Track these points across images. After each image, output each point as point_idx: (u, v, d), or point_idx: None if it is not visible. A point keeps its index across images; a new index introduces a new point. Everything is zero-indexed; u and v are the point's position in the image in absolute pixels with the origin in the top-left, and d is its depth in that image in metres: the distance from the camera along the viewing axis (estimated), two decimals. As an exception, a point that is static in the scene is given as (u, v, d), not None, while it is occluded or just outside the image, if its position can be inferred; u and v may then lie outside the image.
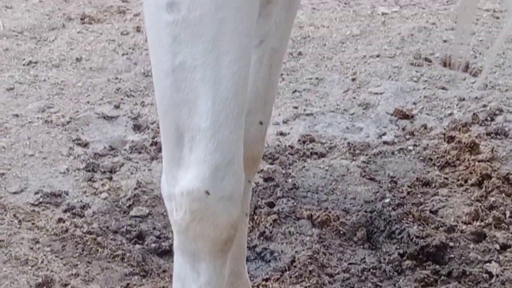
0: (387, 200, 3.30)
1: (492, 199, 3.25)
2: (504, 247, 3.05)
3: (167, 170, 2.19)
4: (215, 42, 2.04)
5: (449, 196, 3.35)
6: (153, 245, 3.43)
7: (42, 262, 3.08)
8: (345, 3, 5.05)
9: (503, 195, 3.27)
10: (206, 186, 2.05)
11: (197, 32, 2.00)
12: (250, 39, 2.15)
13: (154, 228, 3.35)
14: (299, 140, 3.85)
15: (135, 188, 3.66)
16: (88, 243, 3.17)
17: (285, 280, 3.15)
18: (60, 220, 3.27)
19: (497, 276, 2.91)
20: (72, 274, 3.10)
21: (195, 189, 2.08)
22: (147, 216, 3.39)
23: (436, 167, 3.50)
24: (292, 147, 3.85)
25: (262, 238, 3.20)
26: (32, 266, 3.08)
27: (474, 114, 3.91)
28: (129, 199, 3.59)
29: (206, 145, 2.07)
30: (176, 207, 2.12)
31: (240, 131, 2.14)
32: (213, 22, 2.03)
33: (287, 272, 3.10)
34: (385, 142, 3.82)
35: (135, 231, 3.31)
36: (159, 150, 3.67)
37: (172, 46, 2.01)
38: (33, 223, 3.29)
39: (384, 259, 2.98)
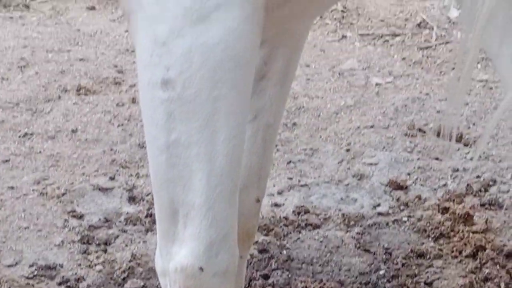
0: (381, 272, 3.29)
1: (487, 270, 3.23)
2: (499, 318, 3.13)
3: (162, 245, 2.21)
4: (210, 119, 2.07)
5: (443, 268, 3.34)
6: (147, 317, 3.44)
7: (38, 335, 3.08)
8: (339, 74, 5.01)
9: (498, 266, 3.27)
10: (200, 263, 2.08)
11: (192, 109, 2.04)
12: (245, 116, 2.19)
13: (149, 301, 3.12)
14: (293, 211, 3.84)
15: (130, 261, 3.63)
16: (84, 315, 3.19)
17: None
18: (55, 293, 3.24)
19: None
20: None
21: (189, 266, 2.09)
22: (142, 288, 3.15)
23: (430, 239, 3.49)
24: (287, 218, 3.82)
25: (258, 310, 3.28)
26: (28, 339, 3.09)
27: (468, 185, 3.92)
28: (124, 271, 3.55)
29: (201, 221, 2.11)
30: (170, 283, 2.12)
31: (235, 207, 2.17)
32: (208, 99, 2.07)
33: None
34: (379, 213, 3.83)
35: (130, 303, 3.08)
36: (154, 222, 3.63)
37: (166, 123, 2.03)
38: (28, 297, 3.27)
39: (380, 329, 3.00)
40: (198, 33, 1.99)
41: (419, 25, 5.48)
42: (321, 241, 3.73)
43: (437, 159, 4.16)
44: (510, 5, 2.04)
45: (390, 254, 3.45)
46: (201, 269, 2.11)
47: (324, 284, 3.30)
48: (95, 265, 3.60)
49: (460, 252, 3.37)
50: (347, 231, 3.72)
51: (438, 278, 3.27)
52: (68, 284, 3.54)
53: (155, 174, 2.10)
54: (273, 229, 3.84)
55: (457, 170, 4.03)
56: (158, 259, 2.21)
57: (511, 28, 2.06)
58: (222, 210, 2.16)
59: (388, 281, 3.28)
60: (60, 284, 3.55)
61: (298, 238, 3.82)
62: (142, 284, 3.43)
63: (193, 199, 2.10)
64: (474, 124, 4.36)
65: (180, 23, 1.97)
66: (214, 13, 2.03)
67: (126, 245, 3.74)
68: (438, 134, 4.38)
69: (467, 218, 3.47)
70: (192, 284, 2.15)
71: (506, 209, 3.81)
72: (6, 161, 4.10)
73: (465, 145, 4.19)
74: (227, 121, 2.12)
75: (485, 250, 3.30)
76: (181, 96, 2.01)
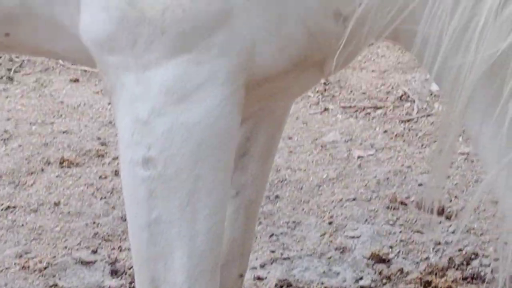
0: None
1: None
2: None
3: None
4: (191, 197, 2.16)
5: None
6: None
7: None
8: (322, 146, 4.99)
9: (479, 338, 3.47)
10: None
11: (173, 188, 2.12)
12: (226, 193, 2.26)
13: None
14: (276, 285, 3.81)
15: (113, 333, 3.72)
16: None
17: None
18: None
19: None
20: None
21: None
22: None
23: (413, 312, 3.55)
24: (269, 292, 3.74)
25: None
26: None
27: (450, 258, 3.91)
28: None
29: None
30: None
31: (216, 283, 2.24)
32: (189, 178, 2.15)
33: None
34: (362, 287, 3.82)
35: None
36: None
37: (148, 201, 2.10)
38: None
39: None
40: (179, 113, 2.09)
41: (400, 98, 5.49)
42: (304, 315, 3.74)
43: (419, 232, 4.15)
44: (491, 84, 2.07)
45: (374, 327, 3.36)
46: None
47: None
48: (78, 337, 3.75)
49: (443, 325, 3.34)
50: (330, 304, 3.62)
51: None
52: None
53: (136, 251, 2.19)
54: (256, 304, 3.78)
55: (439, 243, 4.04)
56: None
57: (491, 108, 2.08)
58: (204, 283, 2.23)
59: None
60: None
61: (282, 312, 3.71)
62: None
63: (174, 278, 2.18)
64: (455, 197, 4.38)
65: (162, 102, 2.06)
66: (195, 93, 2.16)
67: None
68: (420, 207, 4.44)
69: (450, 292, 3.44)
70: None
71: (488, 282, 3.79)
72: (-12, 234, 4.08)
73: (447, 218, 4.21)
74: (208, 199, 2.20)
75: (467, 323, 3.24)
76: (162, 174, 2.09)
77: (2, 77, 6.31)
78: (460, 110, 2.12)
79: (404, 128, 5.14)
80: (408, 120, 5.24)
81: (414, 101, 5.43)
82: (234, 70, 2.23)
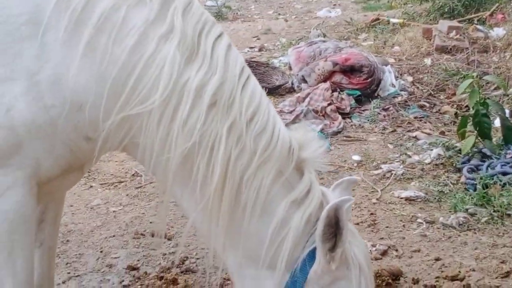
0: None
1: None
2: None
3: None
4: (10, 254, 2.66)
5: None
6: None
7: None
8: (91, 208, 5.56)
9: None
10: None
11: (0, 249, 2.65)
12: (32, 249, 2.78)
13: None
14: None
15: None
16: None
17: None
18: None
19: None
20: None
21: None
22: None
23: None
24: None
25: None
26: None
27: (172, 262, 4.59)
28: None
29: None
30: None
31: None
32: (8, 242, 2.66)
33: None
34: (124, 285, 4.38)
35: None
36: None
37: None
38: None
39: None
40: None
41: (133, 175, 6.23)
42: None
43: (153, 249, 4.87)
44: (184, 168, 2.63)
45: None
46: None
47: None
48: None
49: None
50: None
51: None
52: None
53: None
54: None
55: (166, 254, 4.78)
56: None
57: (186, 181, 2.65)
58: None
59: None
60: None
61: None
62: None
63: None
64: (172, 226, 5.09)
65: None
66: (5, 192, 2.62)
67: None
68: (153, 235, 5.04)
69: None
70: None
71: (196, 273, 4.44)
72: None
73: (169, 239, 4.98)
74: (21, 254, 2.70)
75: None
76: None
77: None
78: (169, 183, 2.64)
79: (139, 192, 5.94)
80: (140, 187, 6.02)
81: (141, 175, 6.17)
82: (28, 177, 2.65)
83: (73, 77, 2.54)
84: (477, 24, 9.01)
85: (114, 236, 5.21)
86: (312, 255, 2.58)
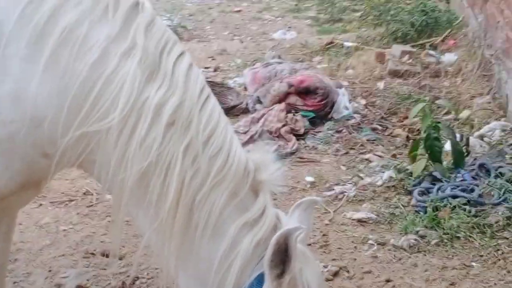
0: None
1: None
2: None
3: None
4: None
5: None
6: None
7: None
8: (40, 226, 5.53)
9: None
10: None
11: None
12: None
13: None
14: None
15: None
16: None
17: None
18: None
19: None
20: None
21: None
22: None
23: None
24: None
25: None
26: None
27: (123, 282, 4.61)
28: None
29: None
30: None
31: None
32: None
33: None
34: None
35: None
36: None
37: None
38: None
39: None
40: None
41: (84, 193, 6.20)
42: None
43: (104, 269, 4.86)
44: (140, 186, 2.63)
45: None
46: None
47: None
48: None
49: None
50: None
51: None
52: None
53: None
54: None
55: (117, 273, 4.77)
56: None
57: (142, 199, 2.65)
58: None
59: None
60: None
61: None
62: None
63: None
64: (123, 246, 4.97)
65: None
66: None
67: None
68: (103, 255, 5.03)
69: None
70: None
71: None
72: None
73: (120, 259, 4.93)
74: None
75: None
76: None
77: None
78: (124, 202, 2.64)
79: (90, 211, 5.86)
80: (92, 206, 5.98)
81: (92, 194, 6.11)
82: None
83: (34, 92, 2.55)
84: (429, 49, 9.14)
85: (63, 255, 5.16)
86: (260, 280, 2.58)
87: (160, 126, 2.56)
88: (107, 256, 5.09)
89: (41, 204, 5.95)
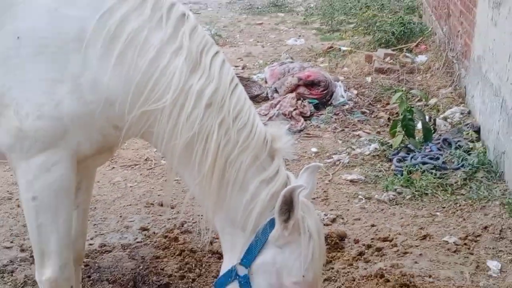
0: None
1: None
2: None
3: (37, 269, 2.80)
4: (56, 212, 2.68)
5: None
6: None
7: None
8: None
9: None
10: (57, 275, 2.76)
11: (48, 208, 2.66)
12: (71, 210, 2.79)
13: None
14: (99, 246, 4.30)
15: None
16: None
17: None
18: None
19: None
20: None
21: (51, 277, 2.78)
22: None
23: None
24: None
25: None
26: None
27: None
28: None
29: (55, 259, 2.76)
30: (41, 286, 2.82)
31: (70, 250, 2.82)
32: (54, 203, 2.65)
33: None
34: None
35: None
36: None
37: (36, 215, 2.66)
38: None
39: None
40: (47, 176, 2.62)
41: None
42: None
43: (160, 214, 4.71)
44: (187, 152, 2.59)
45: None
46: (56, 271, 2.76)
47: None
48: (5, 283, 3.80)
49: None
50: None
51: None
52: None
53: (31, 236, 2.75)
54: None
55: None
56: (36, 275, 2.81)
57: (187, 160, 2.61)
58: (65, 251, 2.77)
59: None
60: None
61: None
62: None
63: (51, 247, 2.73)
64: (177, 196, 4.83)
65: (39, 172, 2.62)
66: (53, 167, 2.61)
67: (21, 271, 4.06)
68: (161, 205, 4.88)
69: None
70: (54, 286, 2.79)
71: None
72: None
73: (172, 208, 4.80)
74: (63, 212, 2.71)
75: None
76: (41, 203, 2.66)
77: None
78: (174, 164, 2.63)
79: (150, 172, 5.65)
80: (151, 168, 5.74)
81: (152, 160, 5.87)
82: (70, 156, 2.65)
83: (107, 81, 2.56)
84: (406, 52, 9.05)
85: (130, 205, 5.19)
86: (272, 223, 2.57)
87: (201, 106, 2.54)
88: (162, 205, 5.07)
89: (113, 167, 5.94)
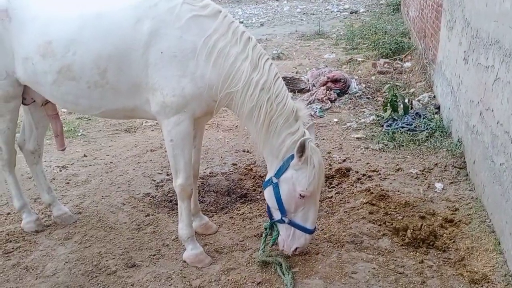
0: None
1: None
2: None
3: (174, 179, 2.76)
4: (183, 147, 2.59)
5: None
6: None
7: None
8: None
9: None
10: (184, 176, 2.71)
11: (179, 145, 2.60)
12: (192, 146, 2.64)
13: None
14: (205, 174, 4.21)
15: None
16: None
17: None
18: None
19: None
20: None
21: (182, 184, 2.74)
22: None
23: None
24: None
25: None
26: None
27: None
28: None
29: (183, 172, 2.67)
30: (177, 190, 2.77)
31: (191, 169, 2.72)
32: (182, 143, 2.61)
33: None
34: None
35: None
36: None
37: (173, 148, 2.59)
38: None
39: None
40: (179, 126, 2.61)
41: None
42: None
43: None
44: (252, 112, 2.54)
45: None
46: (184, 179, 2.72)
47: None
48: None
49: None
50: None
51: None
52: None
53: (171, 161, 2.69)
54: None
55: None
56: (174, 183, 2.76)
57: (251, 119, 2.56)
58: (188, 169, 2.72)
59: None
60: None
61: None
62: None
63: (181, 166, 2.70)
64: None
65: (174, 125, 2.57)
66: (182, 122, 2.59)
67: (167, 186, 4.05)
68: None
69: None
70: (183, 189, 2.75)
71: None
72: None
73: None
74: (187, 149, 2.68)
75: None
76: (176, 142, 2.61)
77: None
78: (243, 120, 2.59)
79: (237, 131, 5.44)
80: (237, 129, 5.56)
81: (237, 126, 5.49)
82: (190, 116, 2.61)
83: (209, 75, 2.57)
84: (398, 60, 8.78)
85: (226, 151, 5.06)
86: (292, 156, 2.60)
87: (257, 89, 2.56)
88: (244, 151, 5.01)
89: (217, 130, 5.75)
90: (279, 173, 2.57)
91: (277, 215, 2.64)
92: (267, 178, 2.69)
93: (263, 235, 2.81)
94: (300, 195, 2.54)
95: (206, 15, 2.54)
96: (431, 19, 7.36)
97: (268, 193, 2.62)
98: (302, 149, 2.48)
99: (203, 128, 3.16)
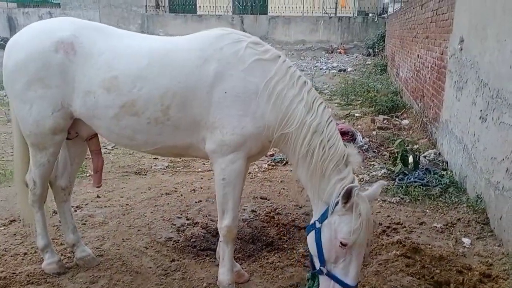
0: None
1: None
2: None
3: (219, 220, 2.70)
4: (235, 185, 2.60)
5: None
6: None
7: None
8: None
9: None
10: (231, 224, 2.69)
11: (230, 183, 2.58)
12: (243, 184, 2.65)
13: None
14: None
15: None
16: None
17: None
18: None
19: None
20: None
21: (228, 226, 2.70)
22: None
23: None
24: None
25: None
26: None
27: None
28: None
29: (231, 213, 2.63)
30: (222, 233, 2.72)
31: (238, 209, 2.64)
32: (234, 182, 2.60)
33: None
34: None
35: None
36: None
37: (224, 186, 2.60)
38: None
39: None
40: (233, 165, 2.60)
41: None
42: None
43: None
44: (306, 154, 2.49)
45: None
46: (231, 221, 2.69)
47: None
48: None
49: None
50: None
51: None
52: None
53: (218, 200, 2.64)
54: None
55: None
56: (219, 225, 2.71)
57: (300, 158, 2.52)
58: (236, 210, 2.70)
59: None
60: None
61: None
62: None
63: (229, 206, 2.67)
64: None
65: (229, 163, 2.60)
66: (236, 161, 2.58)
67: (189, 231, 3.91)
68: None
69: None
70: (229, 231, 2.70)
71: None
72: None
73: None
74: (238, 186, 2.67)
75: None
76: (228, 181, 2.61)
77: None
78: (296, 165, 2.49)
79: (275, 173, 5.68)
80: (273, 169, 5.81)
81: (280, 163, 5.88)
82: (245, 155, 2.60)
83: (267, 115, 2.61)
84: (396, 117, 9.05)
85: (245, 197, 4.91)
86: (338, 202, 2.50)
87: (311, 132, 2.55)
88: (261, 198, 4.85)
89: (252, 165, 5.77)
90: (322, 218, 2.50)
91: (317, 264, 2.53)
92: (311, 222, 2.62)
93: (307, 285, 2.66)
94: (341, 243, 2.42)
95: (268, 59, 2.60)
96: (431, 80, 7.63)
97: (310, 238, 2.55)
98: (347, 195, 2.39)
99: (247, 169, 3.10)
